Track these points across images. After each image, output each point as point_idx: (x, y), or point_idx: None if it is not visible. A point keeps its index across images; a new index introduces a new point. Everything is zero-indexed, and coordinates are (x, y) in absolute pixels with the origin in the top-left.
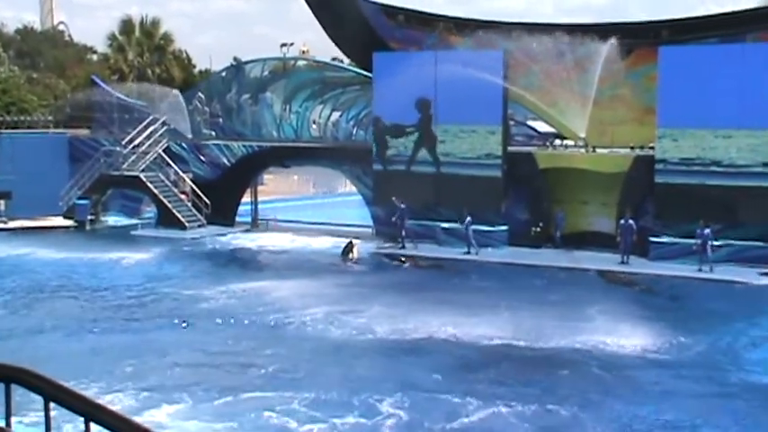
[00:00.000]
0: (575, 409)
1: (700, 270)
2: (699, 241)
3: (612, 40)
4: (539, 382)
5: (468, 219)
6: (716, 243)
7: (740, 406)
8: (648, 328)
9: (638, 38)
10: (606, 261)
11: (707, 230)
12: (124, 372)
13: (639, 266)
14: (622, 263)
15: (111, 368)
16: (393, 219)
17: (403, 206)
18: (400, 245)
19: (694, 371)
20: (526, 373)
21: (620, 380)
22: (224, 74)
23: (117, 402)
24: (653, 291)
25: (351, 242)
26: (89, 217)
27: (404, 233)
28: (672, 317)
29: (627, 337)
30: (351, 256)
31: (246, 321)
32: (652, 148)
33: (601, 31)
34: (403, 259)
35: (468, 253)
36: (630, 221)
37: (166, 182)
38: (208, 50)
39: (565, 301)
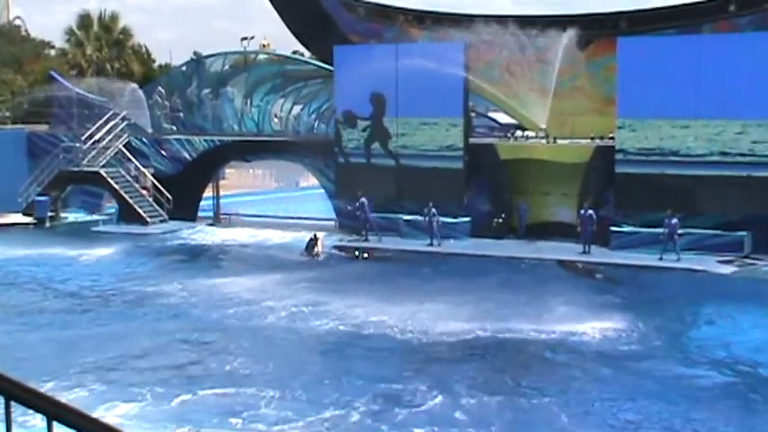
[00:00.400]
0: (542, 399)
1: (661, 259)
2: (666, 230)
3: (571, 32)
4: (501, 371)
5: (434, 211)
6: (680, 232)
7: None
8: (609, 316)
9: (597, 29)
10: (568, 251)
11: (674, 220)
12: (81, 368)
13: (601, 256)
14: (584, 252)
15: (68, 364)
16: (356, 212)
17: (363, 199)
18: (364, 238)
19: (653, 356)
20: (489, 363)
21: (584, 367)
22: (184, 68)
23: (73, 399)
24: (614, 280)
25: (315, 236)
26: (49, 214)
27: (368, 226)
28: (632, 305)
29: (588, 326)
30: (316, 250)
31: (208, 317)
32: (612, 138)
33: (560, 22)
34: (357, 253)
35: (431, 245)
36: (590, 212)
37: (127, 177)
38: (168, 45)
39: (526, 292)
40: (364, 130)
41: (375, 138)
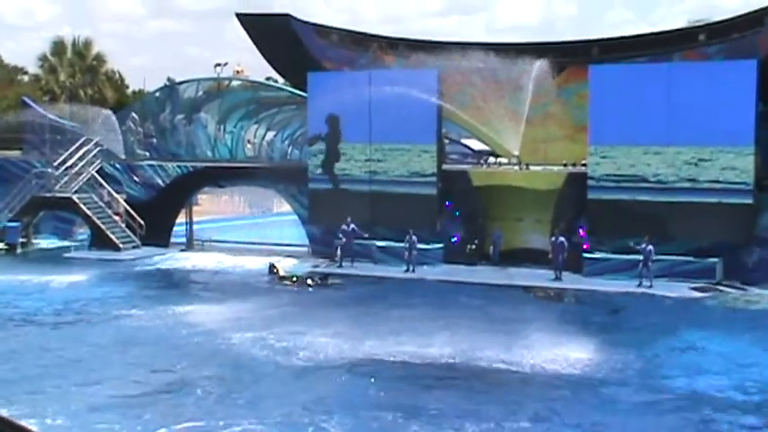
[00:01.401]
0: (518, 425)
1: (640, 285)
2: (641, 257)
3: (544, 59)
4: (474, 397)
5: (414, 238)
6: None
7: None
8: (581, 342)
9: (569, 56)
10: (540, 278)
11: (649, 246)
12: (49, 397)
13: (573, 282)
14: (556, 279)
15: (33, 391)
16: (341, 239)
17: (352, 226)
18: (338, 264)
19: (625, 381)
20: (462, 390)
21: (558, 394)
22: (158, 94)
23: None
24: (588, 306)
25: (272, 264)
26: (20, 240)
27: (342, 253)
28: (605, 331)
29: (561, 352)
30: (281, 274)
31: (178, 344)
32: (584, 165)
33: (532, 50)
34: (331, 280)
35: (408, 271)
36: (561, 239)
37: (100, 203)
38: (141, 71)
39: (499, 318)
40: (321, 152)
41: (330, 159)
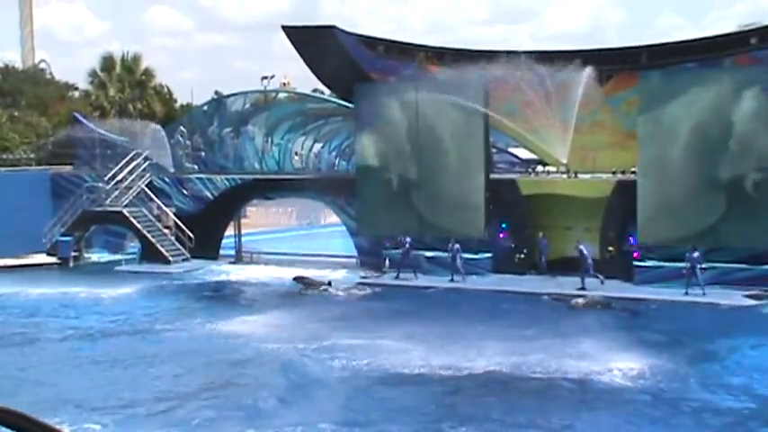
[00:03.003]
0: None
1: (686, 294)
2: (688, 264)
3: (591, 67)
4: (527, 410)
5: (457, 247)
6: (703, 266)
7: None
8: (635, 352)
9: (617, 63)
10: (588, 286)
11: (696, 254)
12: (92, 409)
13: (623, 291)
14: (581, 288)
15: (79, 404)
16: (401, 252)
17: (408, 239)
18: (395, 275)
19: (680, 392)
20: (515, 401)
21: (611, 405)
22: (206, 108)
23: None
24: (637, 315)
25: (300, 276)
26: (72, 254)
27: (394, 264)
28: (655, 340)
29: (614, 363)
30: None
31: (229, 355)
32: (634, 172)
33: (580, 57)
34: (379, 290)
35: (453, 281)
36: (581, 246)
37: (150, 216)
38: (189, 85)
39: (548, 328)
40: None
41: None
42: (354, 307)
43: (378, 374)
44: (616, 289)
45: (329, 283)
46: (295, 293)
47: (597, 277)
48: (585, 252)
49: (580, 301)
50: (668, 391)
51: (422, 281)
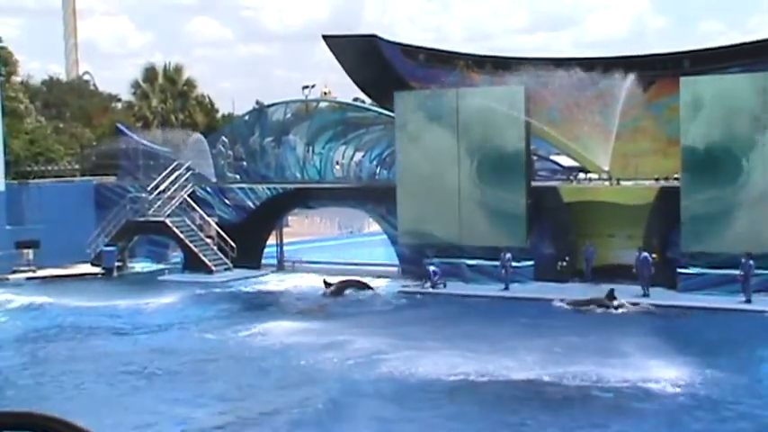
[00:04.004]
0: None
1: (749, 301)
2: (741, 272)
3: (633, 73)
4: (566, 418)
5: (509, 256)
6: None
7: None
8: (678, 361)
9: (659, 69)
10: (632, 294)
11: (750, 261)
12: (142, 421)
13: (667, 298)
14: (644, 295)
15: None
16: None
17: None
18: (431, 285)
19: (730, 402)
20: (561, 411)
21: (659, 413)
22: (247, 117)
23: None
24: (682, 322)
25: (326, 281)
26: (116, 263)
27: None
28: (702, 348)
29: (657, 372)
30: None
31: (274, 364)
32: (677, 178)
33: (621, 64)
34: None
35: (507, 289)
36: (645, 254)
37: (192, 226)
38: (230, 95)
39: (591, 336)
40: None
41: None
42: (397, 316)
43: (439, 385)
44: (660, 297)
45: (369, 287)
46: (337, 302)
47: (644, 288)
48: (650, 259)
49: (624, 308)
50: (720, 401)
51: (465, 289)
